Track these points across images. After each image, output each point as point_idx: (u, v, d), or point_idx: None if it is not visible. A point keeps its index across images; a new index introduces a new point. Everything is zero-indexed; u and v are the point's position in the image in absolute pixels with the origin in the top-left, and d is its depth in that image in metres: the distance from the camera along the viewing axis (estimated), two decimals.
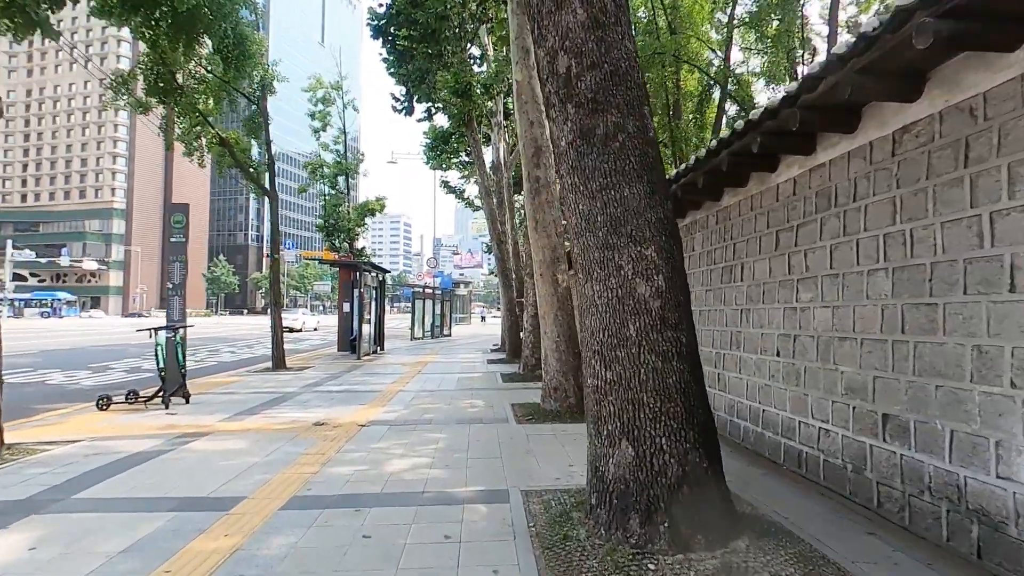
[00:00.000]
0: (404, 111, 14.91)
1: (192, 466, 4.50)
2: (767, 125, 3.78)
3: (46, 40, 11.39)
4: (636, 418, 2.92)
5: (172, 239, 8.37)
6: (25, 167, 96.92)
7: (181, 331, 8.04)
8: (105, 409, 7.07)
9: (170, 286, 8.30)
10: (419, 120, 17.85)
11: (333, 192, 19.72)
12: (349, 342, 16.67)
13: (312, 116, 19.44)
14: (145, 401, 7.25)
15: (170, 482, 4.06)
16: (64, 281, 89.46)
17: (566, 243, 7.08)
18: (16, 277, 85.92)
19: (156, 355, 7.31)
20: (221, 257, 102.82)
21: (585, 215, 3.08)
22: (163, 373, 7.29)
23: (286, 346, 18.65)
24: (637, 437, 2.89)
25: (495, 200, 14.46)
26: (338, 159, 19.84)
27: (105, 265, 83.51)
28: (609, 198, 3.01)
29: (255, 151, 13.02)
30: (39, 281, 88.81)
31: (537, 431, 5.78)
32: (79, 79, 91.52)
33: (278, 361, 12.01)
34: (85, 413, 7.02)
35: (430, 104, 15.93)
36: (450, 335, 28.93)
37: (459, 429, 5.90)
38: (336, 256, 19.12)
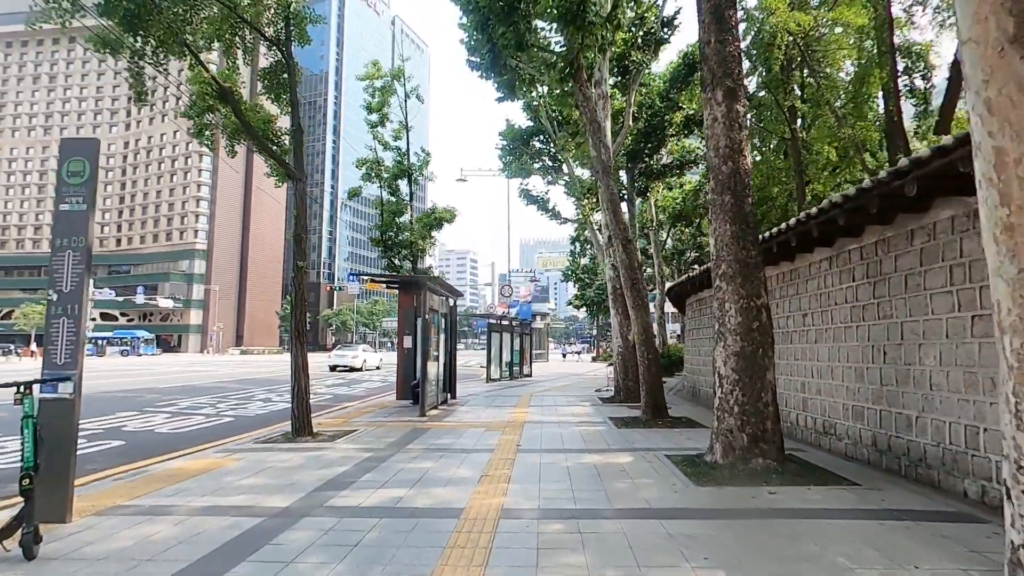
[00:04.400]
0: (483, 69, 10.80)
1: None
2: None
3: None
4: None
5: (62, 205, 4.32)
6: (120, 213, 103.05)
7: (65, 390, 3.90)
8: None
9: (52, 297, 4.21)
10: (498, 100, 13.82)
11: (393, 199, 15.87)
12: (411, 388, 12.40)
13: (368, 108, 15.87)
14: None
15: None
16: (150, 320, 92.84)
17: None
18: (107, 317, 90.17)
19: None
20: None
21: None
22: None
23: (336, 390, 14.77)
24: None
25: (613, 183, 9.88)
26: (398, 158, 16.04)
27: (180, 304, 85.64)
28: None
29: (275, 118, 9.19)
30: (128, 320, 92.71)
31: None
32: (169, 129, 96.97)
33: (300, 425, 7.76)
34: None
35: (513, 72, 11.82)
36: (530, 375, 24.28)
37: None
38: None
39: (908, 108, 10.75)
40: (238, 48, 8.85)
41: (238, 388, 17.22)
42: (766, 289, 5.65)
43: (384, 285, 14.56)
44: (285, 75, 8.96)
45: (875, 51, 9.20)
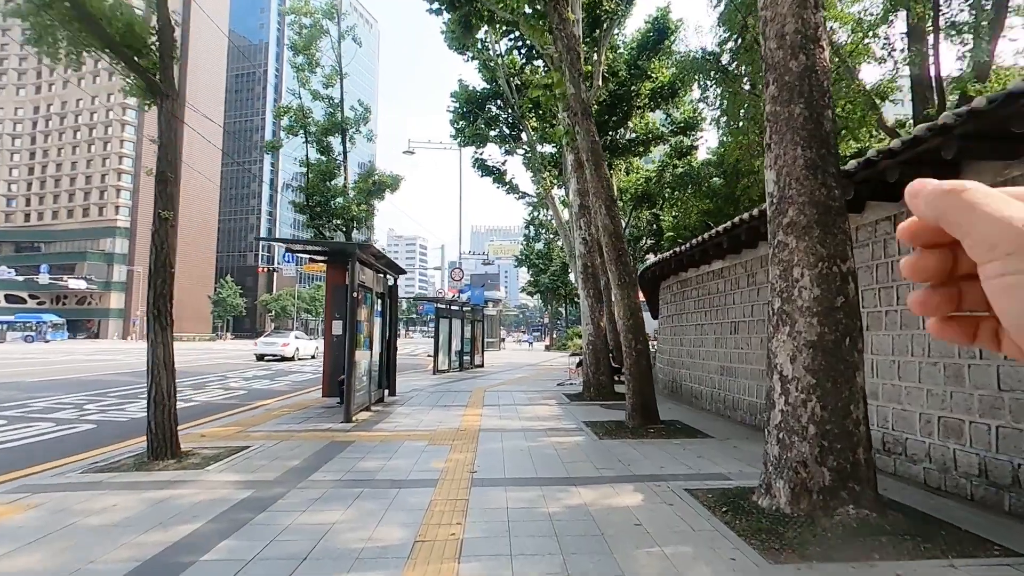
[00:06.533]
0: None
1: None
2: None
3: None
4: None
5: None
6: (30, 185, 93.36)
7: None
8: None
9: None
10: (447, 42, 11.60)
11: (323, 158, 13.35)
12: (338, 384, 10.13)
13: (293, 48, 13.23)
14: None
15: None
16: (64, 304, 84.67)
17: None
18: (13, 299, 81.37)
19: None
20: (228, 278, 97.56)
21: None
22: None
23: (255, 384, 12.70)
24: None
25: (595, 128, 7.91)
26: (330, 109, 13.52)
27: (96, 286, 78.44)
28: None
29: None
30: (38, 304, 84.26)
31: None
32: (86, 96, 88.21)
33: (160, 443, 5.41)
34: None
35: (469, 4, 9.64)
36: (482, 365, 22.28)
37: None
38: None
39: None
40: None
41: (131, 381, 14.32)
42: (852, 247, 3.79)
43: (309, 259, 12.13)
44: None
45: None
